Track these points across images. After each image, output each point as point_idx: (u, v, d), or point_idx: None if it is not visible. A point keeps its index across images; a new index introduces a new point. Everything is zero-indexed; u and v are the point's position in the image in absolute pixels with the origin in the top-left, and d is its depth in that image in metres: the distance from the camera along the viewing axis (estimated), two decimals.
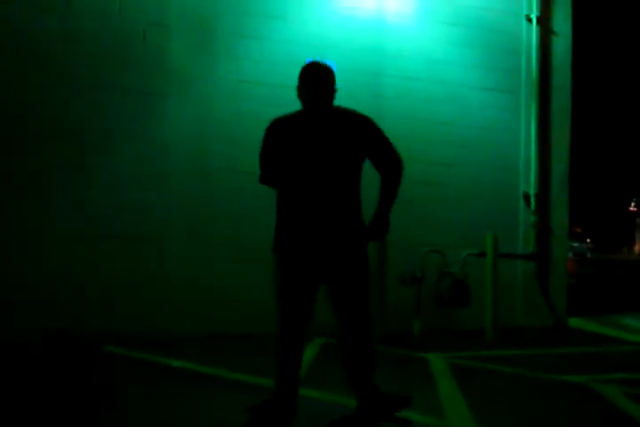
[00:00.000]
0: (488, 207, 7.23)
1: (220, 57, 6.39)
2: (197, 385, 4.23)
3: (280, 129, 3.35)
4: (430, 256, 6.56)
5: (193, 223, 6.19)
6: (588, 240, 42.80)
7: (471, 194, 7.20)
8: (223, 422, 3.53)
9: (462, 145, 7.14)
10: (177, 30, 6.24)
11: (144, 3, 6.15)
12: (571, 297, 7.99)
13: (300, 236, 3.26)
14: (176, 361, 4.89)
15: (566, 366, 5.18)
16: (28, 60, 5.76)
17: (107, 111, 5.96)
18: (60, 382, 4.29)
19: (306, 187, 3.25)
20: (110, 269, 5.86)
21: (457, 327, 6.76)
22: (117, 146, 6.00)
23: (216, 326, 5.98)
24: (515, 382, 4.67)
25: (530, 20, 7.61)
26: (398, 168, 3.38)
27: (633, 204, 42.56)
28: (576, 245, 31.45)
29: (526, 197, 7.51)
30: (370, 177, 3.39)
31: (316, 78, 3.35)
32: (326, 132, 3.28)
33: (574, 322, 7.62)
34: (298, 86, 3.40)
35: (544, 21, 7.70)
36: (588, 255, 34.92)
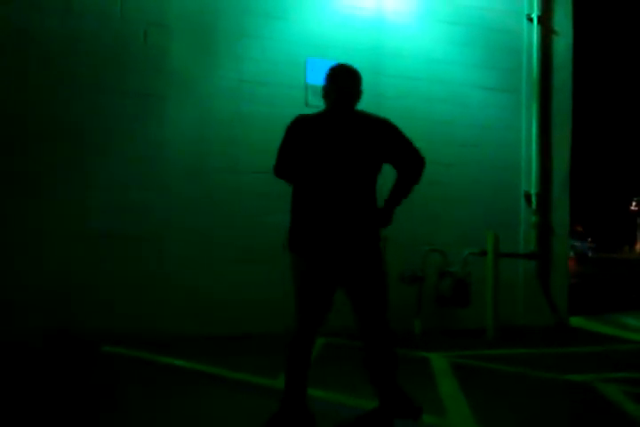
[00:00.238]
0: (489, 206, 7.23)
1: (221, 57, 6.39)
2: (197, 385, 4.23)
3: (305, 126, 3.37)
4: (431, 255, 6.56)
5: (193, 223, 6.19)
6: (589, 239, 42.76)
7: (472, 193, 7.20)
8: (224, 422, 3.53)
9: (463, 144, 7.14)
10: (177, 30, 6.23)
11: (144, 3, 6.14)
12: (573, 296, 7.98)
13: (319, 235, 3.27)
14: (176, 361, 4.89)
15: (567, 366, 5.18)
16: (28, 60, 5.75)
17: (107, 111, 5.96)
18: (60, 382, 4.29)
19: (326, 187, 3.27)
20: (110, 269, 5.86)
21: (458, 327, 6.75)
22: (117, 146, 6.00)
23: (216, 326, 5.98)
24: (516, 381, 4.67)
25: (530, 20, 7.60)
26: (420, 167, 3.42)
27: (634, 203, 42.56)
28: (577, 244, 31.43)
29: (527, 197, 7.51)
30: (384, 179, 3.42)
31: (345, 81, 3.41)
32: (350, 134, 3.32)
33: (575, 321, 7.61)
34: (324, 87, 3.45)
35: (545, 21, 7.69)
36: (590, 254, 34.91)
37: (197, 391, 4.06)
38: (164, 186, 6.11)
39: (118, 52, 6.03)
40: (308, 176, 3.31)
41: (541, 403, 4.07)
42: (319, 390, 3.91)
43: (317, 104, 6.61)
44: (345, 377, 4.37)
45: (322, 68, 6.75)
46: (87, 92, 5.90)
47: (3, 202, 5.65)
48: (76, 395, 3.99)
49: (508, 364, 5.15)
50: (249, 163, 6.36)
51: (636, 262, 29.81)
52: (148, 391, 4.07)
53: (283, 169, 3.44)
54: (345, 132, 3.31)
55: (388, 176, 3.42)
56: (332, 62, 7.42)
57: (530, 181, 7.52)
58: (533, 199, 7.48)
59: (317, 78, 6.67)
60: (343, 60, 6.62)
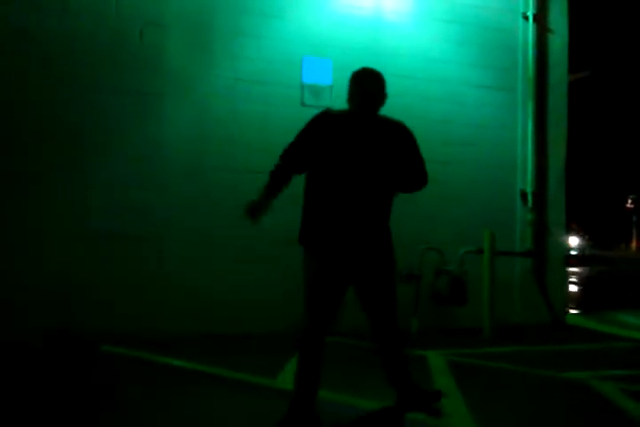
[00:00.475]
0: (485, 205, 7.25)
1: (217, 55, 6.39)
2: (197, 385, 4.24)
3: (330, 123, 3.38)
4: (427, 254, 6.58)
5: (192, 223, 6.18)
6: (587, 237, 42.87)
7: (468, 192, 7.21)
8: (223, 422, 3.54)
9: (459, 143, 7.15)
10: (174, 29, 6.23)
11: (141, 2, 6.14)
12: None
13: (334, 231, 3.29)
14: (176, 361, 4.90)
15: (564, 363, 5.20)
16: (26, 60, 5.74)
17: (104, 111, 5.96)
18: (60, 382, 4.30)
19: (345, 186, 3.30)
20: (109, 269, 5.86)
21: (455, 325, 6.77)
22: (115, 146, 5.99)
23: (216, 325, 5.98)
24: (513, 379, 4.69)
25: (526, 18, 7.62)
26: (420, 184, 3.56)
27: (630, 201, 42.65)
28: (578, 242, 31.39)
29: (523, 195, 7.53)
30: None
31: (369, 84, 3.45)
32: (372, 137, 3.36)
33: (573, 319, 7.64)
34: (349, 91, 3.48)
35: (540, 19, 7.71)
36: (587, 252, 34.94)
37: (197, 391, 4.07)
38: (163, 185, 6.10)
39: (115, 51, 6.03)
40: (327, 174, 3.32)
41: (538, 401, 4.09)
42: (327, 390, 3.90)
43: (313, 103, 6.70)
44: (350, 378, 4.36)
45: (318, 67, 6.83)
46: (85, 92, 5.90)
47: (2, 202, 5.64)
48: (75, 395, 3.99)
49: (504, 362, 5.17)
50: (246, 161, 6.36)
51: (633, 260, 29.84)
52: (147, 391, 4.08)
53: (293, 156, 3.42)
54: (367, 136, 3.35)
55: None
56: (329, 61, 7.45)
57: (526, 180, 7.54)
58: (529, 197, 7.50)
59: (313, 77, 6.70)
60: (339, 59, 6.72)
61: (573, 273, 17.69)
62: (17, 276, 5.58)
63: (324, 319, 3.34)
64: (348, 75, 6.51)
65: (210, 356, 5.11)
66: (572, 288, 13.59)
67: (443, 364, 5.04)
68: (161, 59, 6.18)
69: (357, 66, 7.09)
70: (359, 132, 3.36)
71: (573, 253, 26.37)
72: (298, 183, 6.36)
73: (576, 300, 10.09)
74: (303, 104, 6.44)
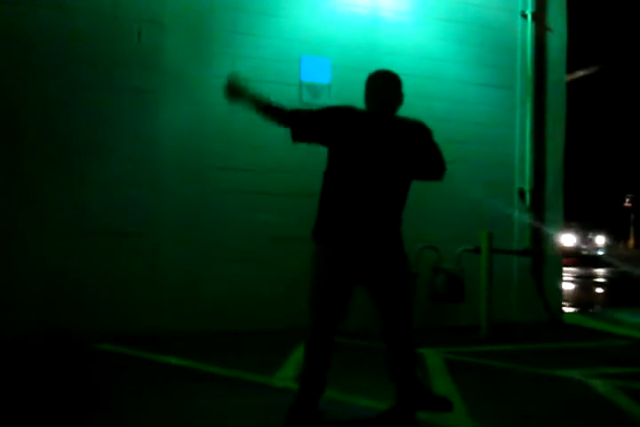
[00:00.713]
0: (483, 203, 7.24)
1: (215, 54, 6.38)
2: (195, 383, 4.24)
3: (353, 117, 3.39)
4: (425, 252, 6.59)
5: (188, 222, 6.17)
6: (595, 236, 42.78)
7: (466, 190, 7.20)
8: (221, 420, 3.54)
9: (457, 141, 7.14)
10: (171, 28, 6.22)
11: (138, 0, 6.13)
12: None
13: (348, 227, 3.31)
14: (173, 359, 4.90)
15: (561, 361, 5.21)
16: (22, 58, 5.73)
17: (101, 109, 5.94)
18: (56, 381, 4.30)
19: (364, 185, 3.32)
20: (106, 268, 5.84)
21: (452, 323, 6.78)
22: (112, 144, 5.98)
23: (213, 324, 5.98)
24: (509, 377, 4.70)
25: (525, 17, 7.62)
26: (439, 174, 3.60)
27: (627, 200, 42.67)
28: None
29: (521, 193, 7.54)
30: None
31: (383, 89, 3.46)
32: (390, 138, 3.38)
33: (570, 317, 7.65)
34: (365, 94, 3.49)
35: (539, 18, 7.71)
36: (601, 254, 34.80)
37: (195, 389, 4.07)
38: (160, 184, 6.09)
39: (112, 49, 6.01)
40: (346, 172, 3.34)
41: (535, 399, 4.10)
42: (330, 390, 3.90)
43: (312, 102, 6.69)
44: (351, 377, 4.36)
45: (316, 65, 6.83)
46: (81, 90, 5.88)
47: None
48: (72, 394, 3.99)
49: (501, 360, 5.18)
50: (243, 160, 6.37)
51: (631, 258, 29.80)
52: (145, 390, 4.08)
53: (304, 131, 3.39)
54: (385, 137, 3.36)
55: None
56: (327, 60, 7.44)
57: (524, 178, 7.54)
58: (527, 196, 7.50)
59: (312, 76, 6.70)
60: (338, 57, 6.72)
61: (591, 275, 17.63)
62: (14, 274, 5.58)
63: (331, 317, 3.35)
64: (346, 73, 6.59)
65: (207, 354, 5.12)
66: (601, 290, 13.52)
67: (440, 362, 5.05)
68: (158, 57, 6.17)
69: (356, 65, 7.15)
70: (377, 134, 3.38)
71: (586, 253, 25.88)
72: (296, 183, 6.40)
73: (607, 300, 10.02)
74: (302, 102, 6.44)
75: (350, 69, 6.57)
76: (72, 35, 5.87)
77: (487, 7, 7.46)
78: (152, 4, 6.17)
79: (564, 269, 9.75)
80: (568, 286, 12.18)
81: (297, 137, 3.42)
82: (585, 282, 15.19)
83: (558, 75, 7.86)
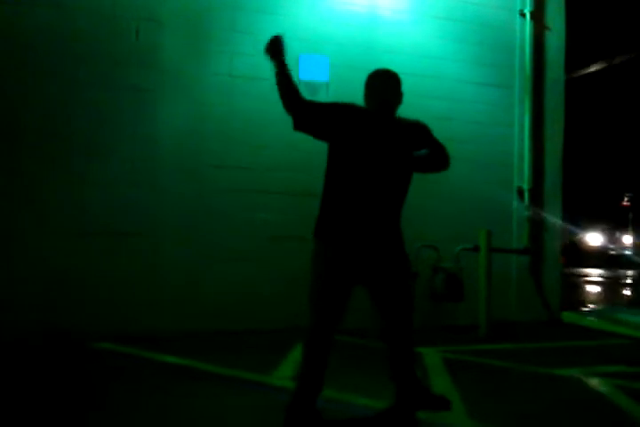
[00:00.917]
0: (482, 202, 7.24)
1: (213, 52, 6.37)
2: (193, 382, 4.23)
3: (352, 114, 3.39)
4: (424, 251, 6.58)
5: (187, 221, 6.17)
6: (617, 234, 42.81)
7: (465, 189, 7.21)
8: (219, 419, 3.53)
9: (456, 140, 7.09)
10: (169, 26, 6.21)
11: None
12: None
13: (350, 226, 3.31)
14: (172, 358, 4.90)
15: (560, 360, 5.21)
16: (21, 58, 5.72)
17: (99, 108, 5.93)
18: (55, 380, 4.29)
19: (365, 184, 3.32)
20: (105, 268, 5.83)
21: (451, 322, 6.78)
22: (110, 143, 5.97)
23: (211, 323, 5.98)
24: (508, 375, 4.70)
25: (523, 16, 7.62)
26: (445, 163, 3.62)
27: (626, 198, 42.71)
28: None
29: (520, 192, 7.54)
30: None
31: (385, 87, 3.47)
32: (391, 136, 3.39)
33: (568, 316, 7.65)
34: (365, 93, 3.50)
35: (537, 17, 7.71)
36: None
37: (193, 388, 4.07)
38: (158, 183, 6.08)
39: (110, 47, 6.00)
40: (347, 171, 3.35)
41: (533, 397, 4.10)
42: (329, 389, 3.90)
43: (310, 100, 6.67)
44: (350, 376, 4.36)
45: (315, 63, 6.81)
46: (81, 90, 5.87)
47: None
48: (71, 393, 3.99)
49: (500, 359, 5.18)
50: (242, 159, 6.36)
51: None
52: (143, 389, 4.08)
53: (306, 120, 3.36)
54: (385, 135, 3.36)
55: None
56: (325, 58, 7.42)
57: (522, 177, 7.54)
58: (526, 195, 7.51)
59: (310, 74, 6.68)
60: (336, 55, 6.70)
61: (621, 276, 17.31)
62: (14, 274, 5.57)
63: (331, 317, 3.34)
64: (344, 71, 6.58)
65: (206, 353, 5.11)
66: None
67: (438, 361, 5.04)
68: (156, 56, 6.16)
69: (354, 63, 7.14)
70: (377, 132, 3.38)
71: (613, 252, 25.17)
72: (296, 182, 6.39)
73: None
74: None
75: (348, 68, 6.57)
76: (71, 34, 5.86)
77: (486, 6, 7.46)
78: (150, 2, 6.16)
79: (591, 270, 9.71)
80: (596, 288, 11.31)
81: (299, 125, 3.37)
82: (615, 284, 14.65)
83: (557, 73, 7.86)
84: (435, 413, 3.60)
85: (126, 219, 5.93)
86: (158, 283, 5.98)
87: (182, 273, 6.08)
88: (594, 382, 4.46)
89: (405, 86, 7.59)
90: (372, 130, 3.37)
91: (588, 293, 10.03)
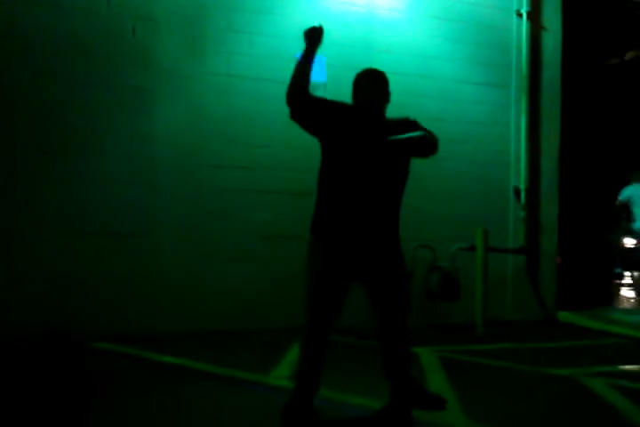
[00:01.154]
0: (478, 202, 7.26)
1: (210, 52, 6.37)
2: (192, 382, 4.24)
3: (344, 112, 3.42)
4: (420, 251, 6.59)
5: (186, 221, 6.17)
6: None
7: (461, 188, 7.22)
8: (217, 419, 3.54)
9: (452, 140, 7.14)
10: (166, 25, 6.20)
11: None
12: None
13: (344, 224, 3.33)
14: (170, 358, 4.90)
15: (555, 360, 5.23)
16: (19, 57, 5.70)
17: (96, 108, 5.91)
18: (54, 380, 4.29)
19: (357, 180, 3.34)
20: (103, 268, 5.82)
21: (447, 322, 6.79)
22: (107, 143, 5.96)
23: (209, 322, 5.98)
24: (504, 375, 4.71)
25: (520, 15, 7.63)
26: (432, 151, 3.56)
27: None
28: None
29: (516, 192, 7.55)
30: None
31: (373, 86, 3.50)
32: (380, 135, 3.39)
33: (564, 316, 7.67)
34: (353, 92, 3.53)
35: (534, 16, 7.72)
36: None
37: (191, 388, 4.07)
38: (155, 182, 6.06)
39: (106, 46, 5.98)
40: (339, 169, 3.37)
41: (529, 397, 4.11)
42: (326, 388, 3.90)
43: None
44: (346, 375, 4.37)
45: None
46: (76, 88, 5.85)
47: None
48: (70, 393, 3.99)
49: (496, 358, 5.19)
50: (239, 158, 6.36)
51: None
52: (141, 389, 4.08)
53: (303, 112, 3.37)
54: (373, 135, 3.37)
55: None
56: (322, 57, 7.42)
57: (519, 177, 7.56)
58: (522, 194, 7.52)
59: None
60: (333, 55, 6.70)
61: None
62: (14, 274, 5.56)
63: (326, 314, 3.35)
64: (342, 72, 6.57)
65: (205, 353, 5.11)
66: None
67: (435, 360, 5.05)
68: (153, 55, 6.15)
69: (351, 63, 7.13)
70: (366, 131, 3.39)
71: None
72: (296, 182, 6.39)
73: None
74: None
75: (346, 68, 6.53)
76: (68, 33, 5.84)
77: (482, 6, 7.47)
78: (147, 1, 6.14)
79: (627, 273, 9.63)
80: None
81: (295, 115, 3.40)
82: None
83: (553, 73, 7.87)
84: (430, 412, 3.61)
85: (126, 219, 5.93)
86: (158, 283, 5.98)
87: (182, 273, 6.08)
88: (590, 382, 4.47)
89: (402, 86, 7.62)
90: (360, 128, 3.39)
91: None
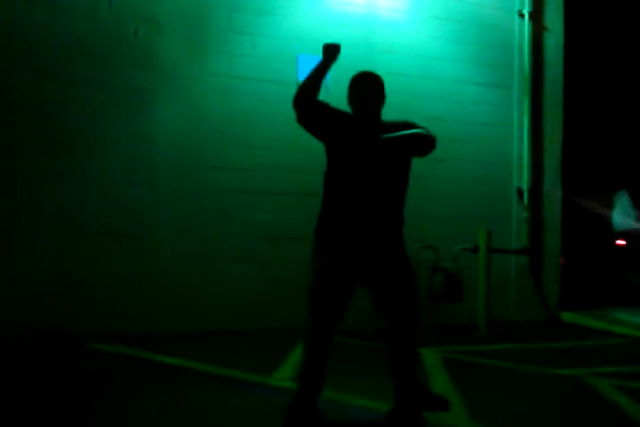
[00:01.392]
0: (481, 202, 7.25)
1: (211, 53, 6.38)
2: (193, 383, 4.23)
3: (344, 119, 3.44)
4: (423, 251, 6.58)
5: (185, 221, 6.17)
6: None
7: (464, 189, 7.22)
8: (219, 420, 3.53)
9: (455, 140, 7.15)
10: (168, 26, 6.21)
11: None
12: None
13: (350, 224, 3.35)
14: (171, 359, 4.89)
15: (559, 360, 5.21)
16: (19, 58, 5.71)
17: (97, 108, 5.93)
18: (55, 381, 4.28)
19: (360, 184, 3.36)
20: (103, 268, 5.83)
21: (450, 322, 6.77)
22: (108, 143, 5.97)
23: (210, 323, 5.98)
24: (507, 376, 4.69)
25: (522, 16, 7.63)
26: (430, 149, 3.52)
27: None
28: None
29: (519, 192, 7.54)
30: None
31: (368, 89, 3.51)
32: (376, 138, 3.40)
33: (568, 316, 7.65)
34: (348, 95, 3.55)
35: (536, 17, 7.72)
36: None
37: (193, 389, 4.06)
38: (156, 183, 6.08)
39: (108, 47, 6.00)
40: (342, 174, 3.39)
41: (533, 397, 4.09)
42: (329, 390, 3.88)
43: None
44: (349, 376, 4.35)
45: (313, 64, 6.79)
46: (77, 89, 5.86)
47: None
48: (70, 393, 3.98)
49: (499, 359, 5.18)
50: (240, 159, 6.37)
51: None
52: (142, 390, 4.07)
53: (309, 117, 3.39)
54: (372, 137, 3.37)
55: None
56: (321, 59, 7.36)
57: (522, 177, 7.55)
58: (525, 195, 7.51)
59: None
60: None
61: None
62: (14, 274, 5.56)
63: (330, 315, 3.34)
64: (342, 73, 6.47)
65: (206, 353, 5.10)
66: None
67: (438, 361, 5.04)
68: (155, 56, 6.16)
69: (353, 64, 7.13)
70: (364, 135, 3.40)
71: None
72: (296, 183, 6.39)
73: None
74: None
75: (347, 68, 6.50)
76: (69, 33, 5.85)
77: (484, 6, 7.47)
78: (149, 3, 6.16)
79: None
80: None
81: (301, 119, 3.41)
82: None
83: (555, 73, 7.87)
84: (435, 413, 3.59)
85: (126, 219, 5.93)
86: (158, 283, 5.98)
87: (182, 273, 6.07)
88: (593, 382, 4.45)
89: (404, 87, 7.63)
90: (358, 132, 3.41)
91: None
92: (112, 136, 5.99)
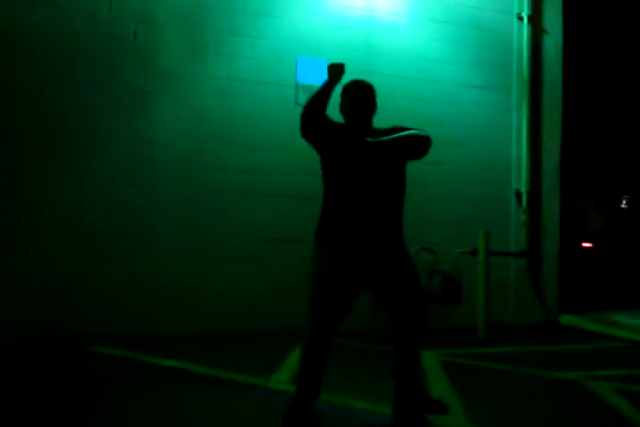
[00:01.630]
0: (480, 205, 7.25)
1: (211, 55, 6.38)
2: (193, 385, 4.22)
3: (338, 130, 3.46)
4: (422, 254, 6.57)
5: (185, 222, 6.17)
6: None
7: (463, 192, 7.22)
8: (218, 422, 3.53)
9: (454, 143, 7.15)
10: (167, 28, 6.22)
11: (134, 0, 6.12)
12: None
13: (350, 227, 3.35)
14: (169, 361, 4.89)
15: (558, 363, 5.21)
16: (19, 58, 5.71)
17: (97, 109, 5.94)
18: (55, 383, 4.28)
19: (356, 189, 3.38)
20: (102, 268, 5.83)
21: (449, 325, 6.77)
22: (108, 144, 5.98)
23: (209, 324, 5.97)
24: (506, 379, 4.69)
25: (521, 19, 7.64)
26: (425, 151, 3.52)
27: (624, 201, 42.84)
28: None
29: (518, 195, 7.54)
30: None
31: (359, 97, 3.52)
32: (368, 143, 3.41)
33: (566, 319, 7.65)
34: (340, 104, 3.56)
35: (535, 20, 7.73)
36: None
37: (192, 391, 4.05)
38: (155, 184, 6.09)
39: (108, 49, 6.01)
40: (340, 181, 3.42)
41: (532, 400, 4.09)
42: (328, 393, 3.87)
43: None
44: (348, 379, 4.35)
45: (312, 66, 6.81)
46: (77, 90, 5.87)
47: None
48: (69, 395, 3.97)
49: (498, 362, 5.17)
50: (239, 161, 6.37)
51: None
52: (140, 392, 4.06)
53: (312, 129, 3.41)
54: (364, 146, 3.38)
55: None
56: (323, 61, 7.46)
57: (520, 180, 7.55)
58: (524, 197, 7.51)
59: (308, 77, 6.69)
60: (334, 58, 6.57)
61: None
62: (14, 274, 5.55)
63: (330, 319, 3.33)
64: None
65: (204, 355, 5.10)
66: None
67: (437, 364, 5.03)
68: (154, 57, 6.17)
69: (352, 66, 7.11)
70: (357, 144, 3.41)
71: None
72: (296, 185, 6.39)
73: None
74: (297, 104, 6.43)
75: (346, 71, 6.54)
76: (69, 34, 5.85)
77: (483, 9, 7.48)
78: (148, 4, 6.16)
79: None
80: None
81: (306, 133, 3.44)
82: None
83: (554, 76, 7.88)
84: (434, 416, 3.59)
85: (126, 220, 5.94)
86: (158, 283, 5.98)
87: (182, 274, 6.07)
88: (592, 386, 4.45)
89: (403, 89, 7.64)
90: (351, 141, 3.42)
91: None
92: (112, 137, 5.99)
